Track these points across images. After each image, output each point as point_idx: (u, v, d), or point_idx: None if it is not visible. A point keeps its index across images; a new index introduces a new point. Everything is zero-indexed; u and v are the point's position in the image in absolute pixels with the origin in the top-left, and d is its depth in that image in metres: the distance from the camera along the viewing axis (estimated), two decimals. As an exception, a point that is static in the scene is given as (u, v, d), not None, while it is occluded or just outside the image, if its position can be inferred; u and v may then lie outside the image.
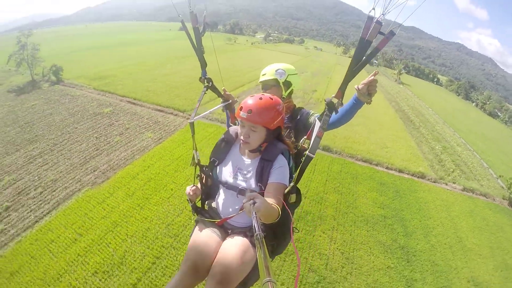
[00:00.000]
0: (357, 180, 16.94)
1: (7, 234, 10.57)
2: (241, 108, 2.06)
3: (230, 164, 2.25)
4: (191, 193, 2.32)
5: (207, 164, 2.41)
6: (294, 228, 2.26)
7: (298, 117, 2.69)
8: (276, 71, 2.72)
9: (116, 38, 65.10)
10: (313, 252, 11.07)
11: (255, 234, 1.22)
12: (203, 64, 2.59)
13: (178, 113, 21.64)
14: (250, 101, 2.07)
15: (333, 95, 1.90)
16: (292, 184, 1.96)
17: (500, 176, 23.22)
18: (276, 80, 2.71)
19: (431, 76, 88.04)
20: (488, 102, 72.64)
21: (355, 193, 15.52)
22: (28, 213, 11.62)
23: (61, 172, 14.25)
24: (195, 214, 2.42)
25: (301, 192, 2.22)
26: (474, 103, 75.23)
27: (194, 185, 2.40)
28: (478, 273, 12.23)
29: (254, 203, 1.46)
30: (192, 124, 2.42)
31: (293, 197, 1.99)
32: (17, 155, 15.39)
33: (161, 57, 41.67)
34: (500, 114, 67.00)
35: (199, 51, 2.52)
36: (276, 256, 2.83)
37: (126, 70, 32.59)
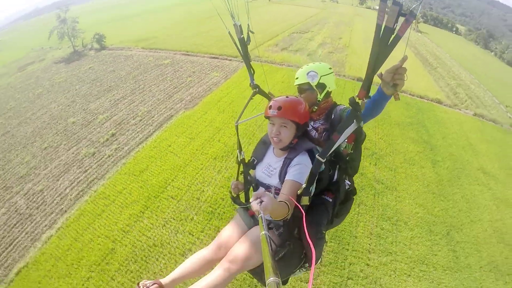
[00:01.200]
0: (387, 103, 20.99)
1: (123, 149, 14.44)
2: (270, 107, 2.13)
3: (264, 162, 2.37)
4: (234, 188, 2.57)
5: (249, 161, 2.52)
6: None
7: (333, 116, 2.55)
8: (307, 74, 2.58)
9: (143, 7, 67.31)
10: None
11: (261, 234, 1.24)
12: (251, 72, 2.66)
13: (232, 59, 24.92)
14: (277, 100, 2.15)
15: (356, 94, 1.69)
16: (304, 186, 1.90)
17: (507, 106, 26.35)
18: (309, 83, 2.57)
19: (450, 25, 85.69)
20: (506, 51, 72.21)
21: (386, 108, 19.63)
22: (136, 133, 15.50)
23: (151, 105, 18.18)
24: (234, 203, 2.61)
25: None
26: (492, 52, 74.61)
27: (237, 181, 2.62)
28: (486, 167, 16.22)
29: (261, 202, 1.48)
30: (237, 127, 2.55)
31: (305, 200, 1.87)
32: (101, 101, 19.20)
33: (191, 18, 43.78)
34: None
35: (247, 59, 2.61)
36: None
37: (164, 32, 35.08)
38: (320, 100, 2.60)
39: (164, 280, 2.25)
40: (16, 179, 13.47)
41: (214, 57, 25.52)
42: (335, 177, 2.29)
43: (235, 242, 2.27)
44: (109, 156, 14.15)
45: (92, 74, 23.68)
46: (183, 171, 12.86)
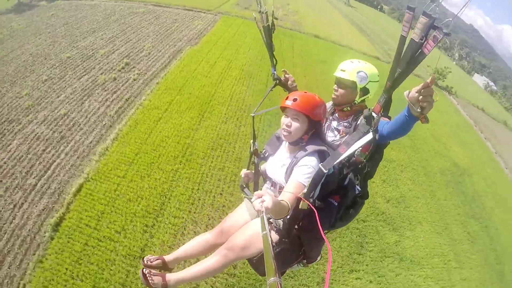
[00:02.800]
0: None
1: (147, 73, 15.02)
2: (286, 98, 2.10)
3: (275, 157, 2.35)
4: (244, 177, 2.57)
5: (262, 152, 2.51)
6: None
7: (359, 121, 2.29)
8: (357, 73, 2.34)
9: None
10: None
11: (262, 234, 1.22)
12: (273, 62, 2.61)
13: (206, 11, 25.78)
14: (295, 92, 2.15)
15: (372, 107, 1.68)
16: (304, 191, 1.83)
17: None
18: (354, 83, 2.34)
19: (375, 3, 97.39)
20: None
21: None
22: (152, 62, 16.09)
23: (152, 42, 18.35)
24: (242, 192, 2.61)
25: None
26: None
27: (249, 170, 2.61)
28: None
29: (263, 201, 1.46)
30: (253, 118, 2.54)
31: (303, 204, 1.77)
32: (90, 39, 18.27)
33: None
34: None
35: (270, 48, 2.55)
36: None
37: None
38: (356, 103, 2.42)
39: (167, 257, 2.44)
40: (21, 111, 12.56)
41: (187, 9, 25.72)
42: (346, 181, 2.19)
43: (236, 230, 2.32)
44: (134, 79, 14.45)
45: (60, 20, 21.32)
46: (219, 87, 14.71)
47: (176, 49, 17.62)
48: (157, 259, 2.41)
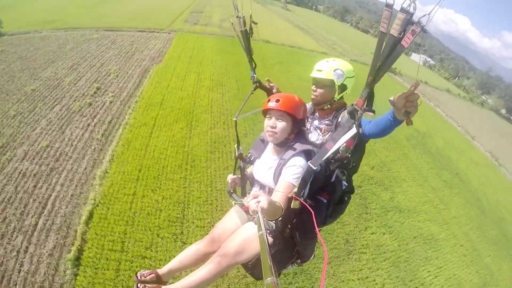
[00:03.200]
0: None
1: (122, 94, 14.86)
2: (268, 101, 2.15)
3: (261, 160, 2.38)
4: (231, 182, 2.54)
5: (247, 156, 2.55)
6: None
7: (340, 119, 2.42)
8: (334, 71, 2.40)
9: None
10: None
11: (258, 234, 1.24)
12: (252, 66, 2.66)
13: (158, 31, 26.31)
14: (276, 94, 2.24)
15: (354, 103, 1.69)
16: (294, 190, 1.87)
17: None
18: (332, 81, 2.41)
19: (310, 4, 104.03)
20: (360, 22, 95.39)
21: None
22: (123, 83, 16.03)
23: (116, 65, 18.08)
24: (230, 198, 2.59)
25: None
26: (348, 23, 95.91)
27: (235, 175, 2.60)
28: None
29: (258, 201, 1.48)
30: (235, 122, 2.55)
31: (295, 203, 1.81)
32: (51, 70, 17.16)
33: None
34: (370, 31, 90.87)
35: (249, 52, 2.58)
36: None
37: (66, 12, 30.78)
38: (336, 100, 2.48)
39: (161, 271, 2.41)
40: None
41: (140, 31, 25.82)
42: (333, 178, 2.21)
43: (228, 236, 2.31)
44: (111, 102, 14.22)
45: (11, 55, 19.64)
46: (197, 97, 15.34)
47: (143, 69, 17.69)
48: (151, 273, 2.36)
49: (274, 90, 2.76)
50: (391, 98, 1.53)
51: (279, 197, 1.87)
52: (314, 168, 1.80)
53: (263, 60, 23.55)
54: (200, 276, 2.10)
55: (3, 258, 7.98)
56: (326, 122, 2.54)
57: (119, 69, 17.40)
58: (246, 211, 2.27)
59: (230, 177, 2.57)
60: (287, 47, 30.90)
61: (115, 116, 13.05)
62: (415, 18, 1.24)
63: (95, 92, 14.70)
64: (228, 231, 2.38)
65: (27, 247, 8.18)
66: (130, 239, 8.22)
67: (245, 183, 2.63)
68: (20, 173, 10.43)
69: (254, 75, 2.69)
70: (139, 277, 2.29)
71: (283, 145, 2.18)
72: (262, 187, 2.32)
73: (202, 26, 31.50)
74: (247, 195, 2.61)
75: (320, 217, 2.14)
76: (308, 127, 2.62)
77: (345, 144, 1.89)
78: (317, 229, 1.46)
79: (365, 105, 1.64)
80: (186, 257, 2.45)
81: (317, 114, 2.61)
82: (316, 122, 2.59)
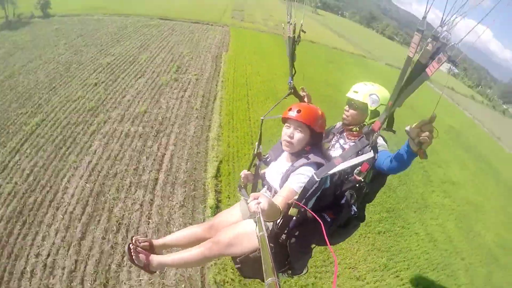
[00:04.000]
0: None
1: (204, 75, 14.79)
2: (289, 109, 2.10)
3: (276, 163, 2.37)
4: (244, 178, 2.56)
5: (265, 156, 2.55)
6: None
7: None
8: (370, 95, 2.37)
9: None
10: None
11: (259, 234, 1.23)
12: (292, 72, 2.70)
13: (213, 24, 26.66)
14: (298, 104, 2.20)
15: (372, 125, 1.65)
16: (295, 197, 1.85)
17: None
18: (365, 105, 2.38)
19: (336, 9, 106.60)
20: (386, 29, 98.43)
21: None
22: (201, 65, 16.08)
23: (186, 49, 18.30)
24: (239, 192, 2.64)
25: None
26: (374, 30, 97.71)
27: (249, 172, 2.61)
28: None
29: (259, 203, 1.48)
30: (262, 121, 2.60)
31: (293, 211, 1.80)
32: (120, 47, 17.56)
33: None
34: (396, 38, 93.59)
35: (291, 58, 2.63)
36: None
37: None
38: (366, 124, 2.43)
39: (155, 242, 2.45)
40: (85, 112, 11.42)
41: (194, 22, 26.16)
42: (343, 200, 2.16)
43: (225, 227, 2.34)
44: (196, 79, 14.37)
45: (71, 32, 19.84)
46: (277, 82, 15.65)
47: (213, 54, 17.90)
48: (145, 241, 2.39)
49: (305, 99, 2.74)
50: (408, 127, 1.46)
51: (279, 201, 1.85)
52: (317, 179, 1.74)
53: (315, 58, 23.72)
54: (189, 255, 2.18)
55: (123, 211, 7.66)
56: (351, 143, 2.47)
57: (191, 52, 17.61)
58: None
59: (244, 172, 2.57)
60: (331, 48, 31.83)
61: (206, 91, 13.20)
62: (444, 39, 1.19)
63: (176, 70, 14.89)
64: (227, 222, 2.40)
65: (152, 200, 7.95)
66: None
67: (257, 181, 2.64)
68: (121, 132, 10.32)
69: (292, 81, 2.72)
70: (133, 241, 2.30)
71: (299, 155, 2.13)
72: (270, 188, 2.32)
73: (249, 23, 32.22)
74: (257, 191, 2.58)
75: (319, 233, 1.87)
76: (333, 143, 2.60)
77: (360, 167, 1.95)
78: (327, 240, 1.39)
79: (382, 127, 1.62)
80: (182, 237, 2.50)
81: (344, 134, 2.55)
82: (341, 141, 2.55)
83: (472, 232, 10.39)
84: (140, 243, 2.33)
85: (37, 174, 8.24)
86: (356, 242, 7.67)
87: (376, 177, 2.16)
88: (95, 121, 10.73)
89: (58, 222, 6.88)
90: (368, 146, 1.64)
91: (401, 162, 1.71)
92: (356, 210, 2.22)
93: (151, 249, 2.41)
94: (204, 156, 9.37)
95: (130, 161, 9.06)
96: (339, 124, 2.66)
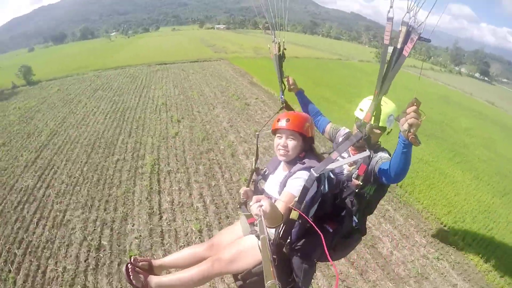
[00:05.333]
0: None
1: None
2: (278, 120, 2.17)
3: (274, 176, 2.39)
4: (243, 194, 2.54)
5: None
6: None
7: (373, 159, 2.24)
8: (388, 117, 2.28)
9: None
10: None
11: (260, 237, 1.25)
12: (282, 88, 2.80)
13: (208, 60, 27.69)
14: (285, 113, 2.24)
15: (363, 117, 1.70)
16: (295, 199, 1.82)
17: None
18: (384, 128, 2.33)
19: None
20: (331, 31, 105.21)
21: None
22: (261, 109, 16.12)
23: (219, 76, 18.07)
24: (239, 208, 2.65)
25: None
26: (319, 35, 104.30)
27: (248, 188, 2.62)
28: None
29: (261, 205, 1.50)
30: (257, 136, 2.73)
31: (294, 214, 1.77)
32: (155, 91, 15.98)
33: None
34: (342, 37, 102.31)
35: (280, 74, 2.77)
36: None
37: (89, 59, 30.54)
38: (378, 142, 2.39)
39: (154, 262, 2.44)
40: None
41: (190, 62, 26.46)
42: (344, 212, 2.12)
43: (228, 245, 2.32)
44: (262, 102, 14.69)
45: (84, 90, 18.56)
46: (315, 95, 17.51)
47: (242, 83, 18.52)
48: (144, 261, 2.40)
49: (292, 87, 2.88)
50: (397, 116, 1.56)
51: (280, 206, 1.90)
52: (316, 175, 1.74)
53: (309, 71, 24.90)
54: (189, 274, 2.14)
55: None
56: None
57: (225, 85, 17.86)
58: (251, 223, 2.34)
59: (243, 189, 2.57)
60: (313, 59, 34.50)
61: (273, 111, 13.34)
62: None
63: (234, 97, 15.05)
64: (228, 240, 2.42)
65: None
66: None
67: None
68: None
69: (283, 96, 2.84)
70: (132, 260, 2.31)
71: (294, 162, 2.19)
72: (267, 196, 2.32)
73: (236, 53, 32.97)
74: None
75: (321, 246, 1.75)
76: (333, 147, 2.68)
77: (357, 170, 2.03)
78: (326, 251, 1.45)
79: (373, 119, 1.66)
80: (181, 258, 2.47)
81: (349, 149, 2.47)
82: (345, 155, 2.49)
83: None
84: (139, 262, 2.33)
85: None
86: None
87: (378, 187, 2.29)
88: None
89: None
90: (362, 139, 1.70)
91: (398, 157, 1.70)
92: (356, 221, 2.25)
93: (150, 269, 2.39)
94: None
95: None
96: (343, 131, 2.67)
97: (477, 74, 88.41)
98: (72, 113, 13.98)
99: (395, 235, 6.04)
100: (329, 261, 1.38)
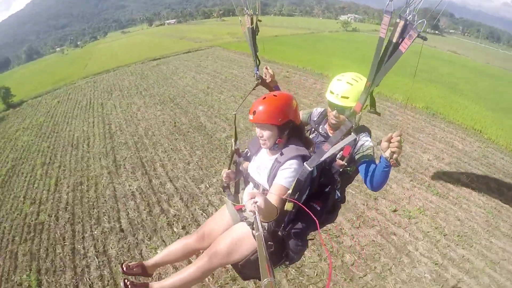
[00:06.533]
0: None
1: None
2: (249, 111, 2.04)
3: (257, 158, 2.28)
4: (225, 177, 2.45)
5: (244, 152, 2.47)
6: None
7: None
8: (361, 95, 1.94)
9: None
10: None
11: (256, 234, 1.24)
12: (257, 63, 2.62)
13: (204, 48, 27.10)
14: (254, 103, 2.02)
15: (353, 106, 1.66)
16: (289, 192, 1.82)
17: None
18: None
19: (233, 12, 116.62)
20: (283, 9, 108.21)
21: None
22: None
23: (228, 60, 17.95)
24: (224, 193, 2.58)
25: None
26: (271, 15, 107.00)
27: (230, 170, 2.50)
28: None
29: (255, 202, 1.48)
30: (235, 116, 2.57)
31: (288, 205, 1.79)
32: (186, 80, 15.27)
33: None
34: (295, 13, 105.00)
35: (254, 49, 2.58)
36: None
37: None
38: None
39: (146, 263, 2.40)
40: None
41: (184, 53, 25.75)
42: (328, 188, 2.19)
43: (219, 234, 2.27)
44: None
45: (92, 94, 17.75)
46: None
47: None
48: (137, 265, 2.37)
49: (267, 77, 2.64)
50: (378, 141, 1.65)
51: (273, 199, 1.87)
52: (310, 169, 1.75)
53: (299, 45, 25.85)
54: (189, 273, 2.12)
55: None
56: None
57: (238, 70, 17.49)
58: (238, 210, 2.30)
59: (225, 171, 2.47)
60: (280, 36, 34.23)
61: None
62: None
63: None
64: (219, 229, 2.35)
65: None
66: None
67: (239, 178, 2.60)
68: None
69: (258, 71, 2.64)
70: (124, 269, 2.29)
71: (279, 148, 2.09)
72: (257, 186, 2.21)
73: (216, 41, 32.24)
74: (240, 191, 2.57)
75: (313, 224, 1.88)
76: (310, 129, 2.54)
77: (341, 151, 2.04)
78: (320, 233, 1.53)
79: (363, 109, 1.64)
80: (173, 251, 2.43)
81: (326, 127, 2.39)
82: (321, 131, 2.41)
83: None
84: (132, 268, 2.31)
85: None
86: None
87: (348, 159, 2.23)
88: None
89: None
90: (352, 128, 1.69)
91: (380, 175, 1.82)
92: (339, 194, 2.31)
93: (144, 272, 2.38)
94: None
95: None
96: (317, 110, 2.53)
97: (428, 29, 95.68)
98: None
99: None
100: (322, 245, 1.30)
